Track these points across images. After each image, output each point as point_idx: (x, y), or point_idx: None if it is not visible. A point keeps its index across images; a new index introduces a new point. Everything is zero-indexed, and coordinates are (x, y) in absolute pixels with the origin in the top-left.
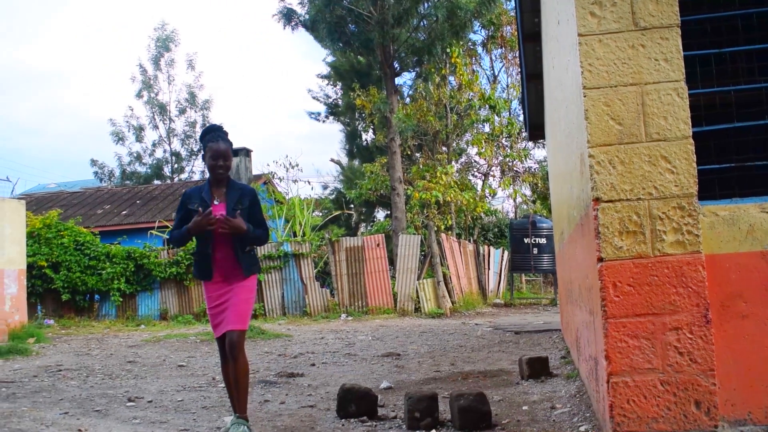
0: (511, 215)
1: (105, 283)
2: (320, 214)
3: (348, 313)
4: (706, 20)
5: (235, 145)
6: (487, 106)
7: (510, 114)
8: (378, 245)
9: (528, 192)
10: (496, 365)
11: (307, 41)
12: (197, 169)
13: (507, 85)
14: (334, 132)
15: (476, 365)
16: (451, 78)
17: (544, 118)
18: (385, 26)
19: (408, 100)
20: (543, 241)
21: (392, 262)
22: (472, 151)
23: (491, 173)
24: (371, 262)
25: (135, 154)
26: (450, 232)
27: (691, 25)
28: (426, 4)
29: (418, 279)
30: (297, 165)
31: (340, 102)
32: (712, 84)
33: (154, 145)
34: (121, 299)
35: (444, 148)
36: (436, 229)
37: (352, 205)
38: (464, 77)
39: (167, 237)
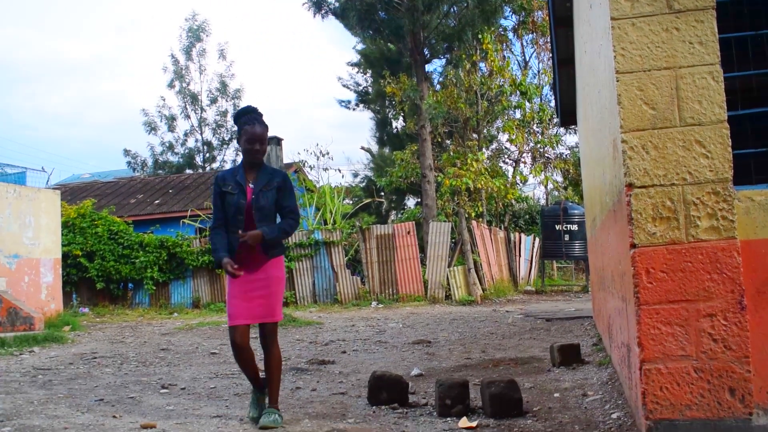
0: (543, 202)
1: (138, 272)
2: (351, 202)
3: (378, 301)
4: (744, 2)
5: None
6: (518, 92)
7: (541, 100)
8: (408, 233)
9: (559, 178)
10: (527, 352)
11: (337, 29)
12: (228, 159)
13: (538, 71)
14: (364, 120)
15: (507, 352)
16: (482, 64)
17: (576, 104)
18: (415, 13)
19: (438, 87)
20: (574, 227)
21: (423, 249)
22: (503, 137)
23: (522, 160)
24: (402, 250)
25: (167, 144)
26: (481, 220)
27: (729, 7)
28: None
29: (449, 266)
30: (327, 153)
31: (370, 89)
32: (749, 67)
33: (185, 134)
34: (154, 288)
35: (474, 135)
36: (466, 216)
37: (382, 193)
38: (495, 63)
39: (208, 230)
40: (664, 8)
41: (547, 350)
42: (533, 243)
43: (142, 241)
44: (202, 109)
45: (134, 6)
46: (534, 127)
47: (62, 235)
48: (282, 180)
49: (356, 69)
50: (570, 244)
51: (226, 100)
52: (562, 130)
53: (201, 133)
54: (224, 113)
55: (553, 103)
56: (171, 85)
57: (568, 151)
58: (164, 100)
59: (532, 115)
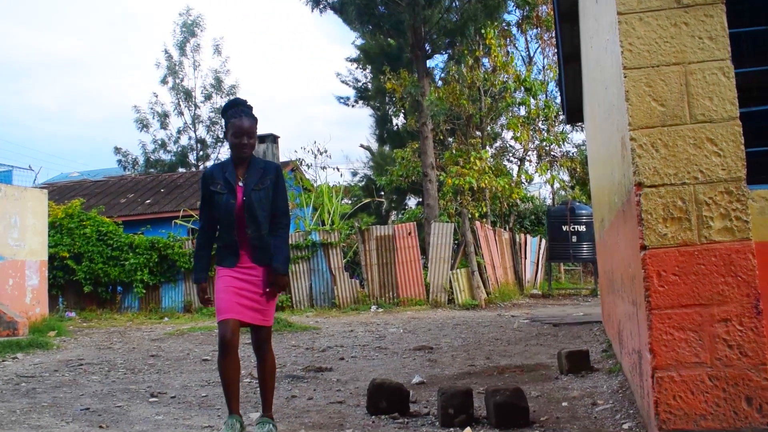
0: (549, 202)
1: (128, 275)
2: (349, 201)
3: (378, 305)
4: None
5: (262, 131)
6: (522, 88)
7: (546, 96)
8: (409, 234)
9: (566, 177)
10: (533, 359)
11: (336, 24)
12: (222, 157)
13: (543, 67)
14: (363, 117)
15: (513, 359)
16: (485, 60)
17: (582, 101)
18: (416, 7)
19: (440, 83)
20: (582, 228)
21: (424, 251)
22: (508, 135)
23: (527, 158)
24: (402, 252)
25: (159, 142)
26: (485, 220)
27: (742, 4)
28: None
29: (452, 269)
30: (325, 151)
31: (369, 86)
32: (762, 63)
33: (178, 132)
34: (144, 291)
35: (478, 133)
36: (470, 216)
37: (382, 193)
38: (499, 59)
39: (196, 230)
40: (672, 2)
41: (555, 357)
42: (539, 244)
43: (132, 242)
44: (196, 106)
45: (126, 0)
46: (539, 125)
47: (49, 236)
48: (275, 175)
49: (355, 65)
50: (578, 245)
51: (221, 97)
52: (568, 127)
53: (194, 131)
54: (219, 110)
55: (558, 100)
56: (164, 81)
57: (575, 149)
58: (157, 96)
59: (537, 112)
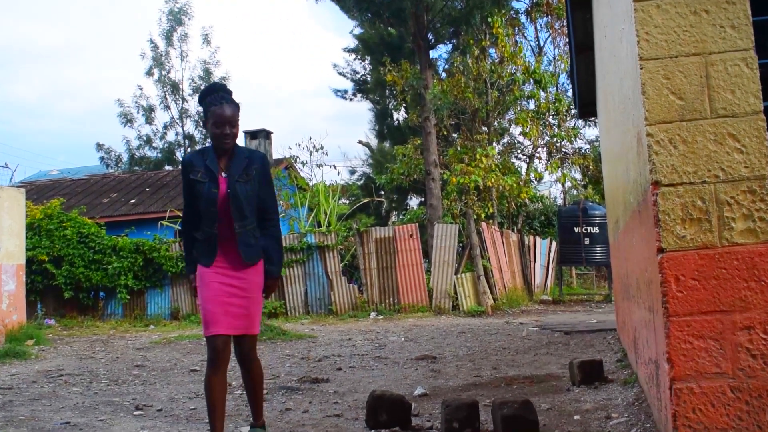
0: (560, 202)
1: (111, 279)
2: (347, 201)
3: (378, 312)
4: None
5: (254, 127)
6: (531, 80)
7: (557, 89)
8: (411, 236)
9: (578, 176)
10: (543, 369)
11: (333, 12)
12: None
13: (554, 58)
14: (362, 111)
15: (521, 369)
16: (492, 50)
17: (595, 94)
18: None
19: (444, 75)
20: (595, 230)
21: (427, 254)
22: (516, 130)
23: (537, 155)
24: (404, 255)
25: (144, 138)
26: (491, 221)
27: None
28: None
29: (456, 273)
30: (322, 148)
31: (368, 78)
32: None
33: (165, 127)
34: (128, 297)
35: (484, 128)
36: (475, 217)
37: (382, 192)
38: (506, 49)
39: (179, 228)
40: None
41: (566, 367)
42: (549, 247)
43: (115, 245)
44: (184, 99)
45: None
46: (549, 119)
47: (27, 238)
48: (261, 165)
49: (353, 55)
50: (590, 248)
51: None
52: (580, 122)
53: (182, 126)
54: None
55: (570, 93)
56: (149, 73)
57: (588, 146)
58: (142, 89)
59: (548, 106)
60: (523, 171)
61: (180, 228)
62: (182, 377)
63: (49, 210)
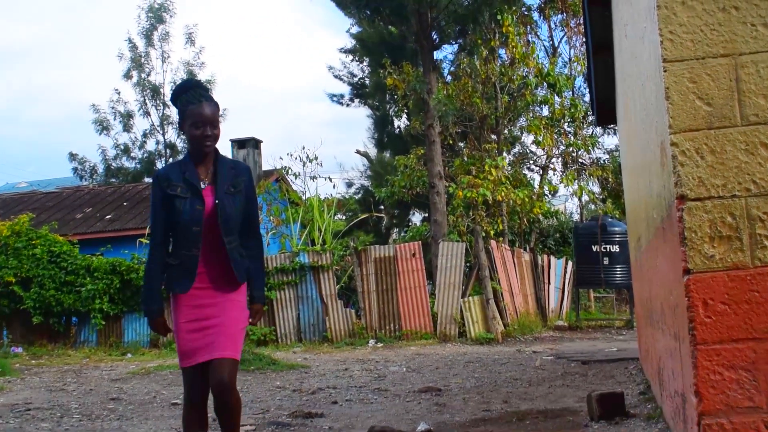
0: (576, 217)
1: (84, 303)
2: (344, 217)
3: (377, 339)
4: None
5: (242, 135)
6: (545, 84)
7: (573, 94)
8: (414, 255)
9: (596, 189)
10: (558, 403)
11: (328, 8)
12: None
13: (569, 59)
14: (360, 118)
15: (535, 403)
16: (502, 51)
17: (615, 99)
18: None
19: (449, 78)
20: (615, 248)
21: (431, 275)
22: (528, 139)
23: (551, 166)
24: (405, 276)
25: (122, 147)
26: (501, 239)
27: None
28: None
29: (463, 296)
30: (316, 158)
31: (367, 81)
32: None
33: (144, 135)
34: (103, 322)
35: (493, 136)
36: (484, 235)
37: (382, 207)
38: (518, 50)
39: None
40: None
41: (584, 400)
42: (565, 268)
43: (89, 265)
44: (165, 105)
45: None
46: (565, 127)
47: None
48: (248, 178)
49: (350, 57)
50: (610, 268)
51: None
52: (598, 130)
53: (163, 134)
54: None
55: (587, 98)
56: (127, 76)
57: (607, 156)
58: (119, 93)
59: (563, 112)
60: (536, 184)
61: (148, 254)
62: (162, 411)
63: (17, 226)
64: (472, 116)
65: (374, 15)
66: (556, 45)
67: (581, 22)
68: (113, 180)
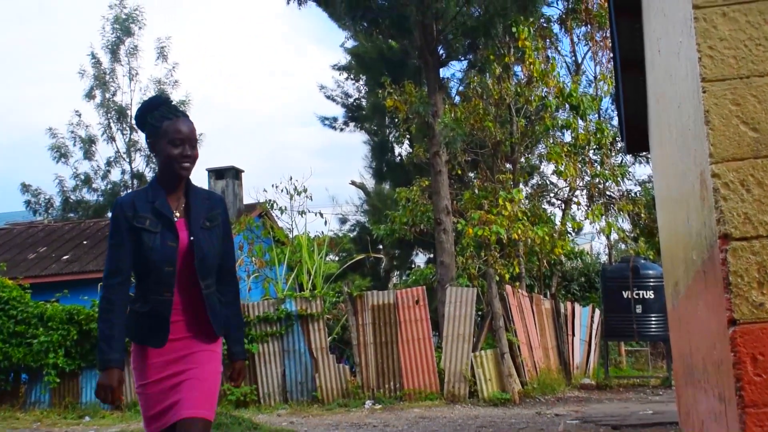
0: (604, 259)
1: (36, 358)
2: (336, 258)
3: (375, 399)
4: None
5: (221, 164)
6: (567, 105)
7: (600, 117)
8: (417, 302)
9: (627, 225)
10: None
11: (320, 20)
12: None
13: (595, 77)
14: (355, 144)
15: None
16: (518, 68)
17: (647, 122)
18: None
19: (458, 99)
20: (650, 295)
21: (437, 325)
22: (548, 168)
23: (575, 199)
24: (408, 326)
25: (82, 177)
26: (518, 284)
27: None
28: None
29: (474, 350)
30: (305, 191)
31: (363, 102)
32: None
33: (108, 163)
34: (58, 380)
35: (508, 166)
36: (498, 278)
37: (380, 246)
38: (535, 67)
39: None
40: None
41: None
42: (592, 317)
43: (42, 313)
44: (133, 129)
45: None
46: (590, 155)
47: None
48: (224, 211)
49: (345, 74)
50: (643, 318)
51: None
52: (629, 158)
53: (130, 162)
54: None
55: (615, 122)
56: (90, 96)
57: (639, 188)
58: (80, 115)
59: (587, 138)
60: (558, 220)
61: (104, 293)
62: None
63: None
64: (483, 143)
65: (372, 27)
66: (580, 61)
67: (608, 35)
68: (72, 215)
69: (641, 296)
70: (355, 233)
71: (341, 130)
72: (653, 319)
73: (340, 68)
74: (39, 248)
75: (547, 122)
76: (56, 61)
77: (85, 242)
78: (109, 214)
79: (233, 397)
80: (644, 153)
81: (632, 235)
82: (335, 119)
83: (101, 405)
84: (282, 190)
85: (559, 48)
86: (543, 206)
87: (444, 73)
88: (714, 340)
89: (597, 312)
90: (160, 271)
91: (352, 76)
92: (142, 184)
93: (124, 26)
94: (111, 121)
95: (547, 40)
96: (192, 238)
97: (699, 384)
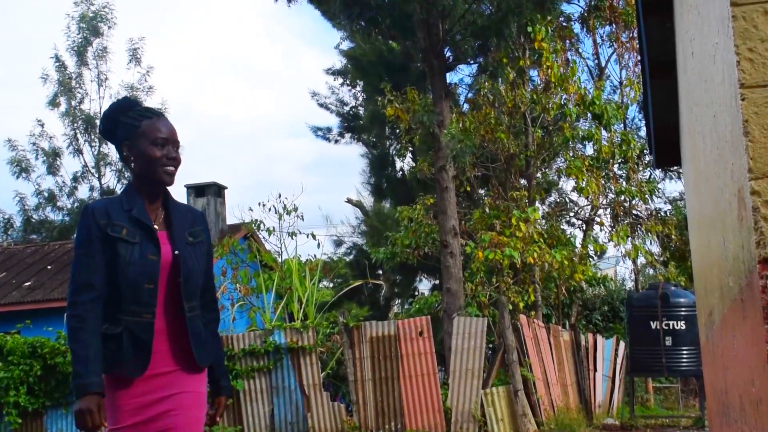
0: (630, 285)
1: None
2: (331, 285)
3: None
4: None
5: (201, 179)
6: (589, 114)
7: (625, 127)
8: (421, 334)
9: (655, 248)
10: None
11: (312, 19)
12: None
13: (620, 83)
14: (351, 157)
15: None
16: (534, 72)
17: (678, 133)
18: None
19: (466, 107)
20: (680, 325)
21: (443, 359)
22: (567, 185)
23: (597, 219)
24: (410, 361)
25: (46, 194)
26: (534, 313)
27: None
28: None
29: (485, 387)
30: (295, 209)
31: (361, 111)
32: None
33: (75, 179)
34: (19, 420)
35: (523, 181)
36: (511, 307)
37: (380, 271)
38: (554, 71)
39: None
40: None
41: None
42: (616, 350)
43: (2, 346)
44: (102, 141)
45: None
46: (615, 169)
47: None
48: (206, 228)
49: (340, 80)
50: (674, 351)
51: None
52: (658, 173)
53: (99, 177)
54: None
55: (643, 132)
56: (53, 103)
57: (669, 206)
58: (42, 125)
59: (612, 151)
60: (578, 242)
61: (73, 309)
62: None
63: None
64: (495, 156)
65: (371, 26)
66: (603, 65)
67: (635, 35)
68: (34, 236)
69: (671, 327)
70: (351, 257)
71: (336, 141)
72: (684, 352)
73: (335, 73)
74: None
75: (567, 133)
76: (15, 63)
77: (49, 267)
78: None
79: None
80: (675, 167)
81: (661, 258)
82: (329, 130)
83: None
84: (270, 209)
85: (580, 50)
86: (562, 227)
87: (451, 78)
88: (752, 376)
89: (622, 344)
90: (138, 289)
91: (348, 82)
92: None
93: (91, 25)
94: (78, 131)
95: (567, 42)
96: (176, 252)
97: (735, 424)
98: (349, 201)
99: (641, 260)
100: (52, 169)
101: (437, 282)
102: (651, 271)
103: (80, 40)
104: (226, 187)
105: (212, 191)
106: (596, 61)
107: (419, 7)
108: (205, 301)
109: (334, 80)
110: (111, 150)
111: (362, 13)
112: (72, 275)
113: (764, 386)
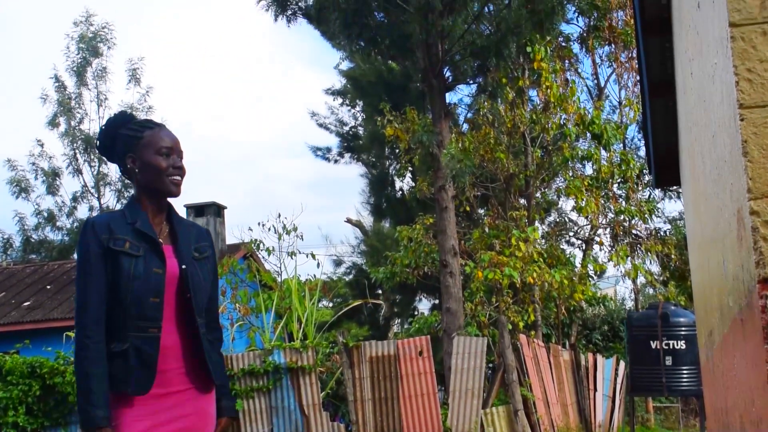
0: (630, 305)
1: None
2: (330, 304)
3: None
4: None
5: (200, 199)
6: (588, 134)
7: (625, 147)
8: (421, 353)
9: (655, 268)
10: None
11: (312, 39)
12: None
13: (619, 102)
14: (351, 177)
15: None
16: (533, 92)
17: (678, 153)
18: (430, 15)
19: (466, 127)
20: (681, 345)
21: (443, 379)
22: (567, 204)
23: (597, 239)
24: (410, 380)
25: (45, 214)
26: (533, 333)
27: None
28: None
29: (485, 407)
30: (295, 229)
31: (360, 131)
32: None
33: (74, 199)
34: None
35: (522, 201)
36: (511, 327)
37: (379, 291)
38: (553, 91)
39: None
40: None
41: None
42: (616, 369)
43: (1, 366)
44: (102, 160)
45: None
46: (614, 189)
47: None
48: (212, 245)
49: (339, 100)
50: (674, 371)
51: None
52: (657, 192)
53: (98, 197)
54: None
55: (642, 152)
56: (53, 123)
57: (669, 226)
58: (42, 145)
59: (611, 170)
60: (578, 262)
61: (80, 333)
62: None
63: None
64: (495, 176)
65: (370, 47)
66: (603, 85)
67: (634, 55)
68: (33, 256)
69: (671, 347)
70: (351, 277)
71: (335, 161)
72: (685, 371)
73: (334, 93)
74: None
75: (566, 153)
76: (14, 84)
77: (48, 287)
78: (76, 256)
79: None
80: (675, 187)
81: (661, 278)
82: (329, 149)
83: None
84: (269, 229)
85: (579, 70)
86: (561, 246)
87: (450, 98)
88: (753, 396)
89: (622, 364)
90: (143, 303)
91: (347, 102)
92: None
93: (91, 46)
94: (77, 151)
95: (566, 62)
96: (183, 266)
97: None
98: (349, 221)
99: (641, 280)
100: (52, 189)
101: (437, 302)
102: (651, 291)
103: (80, 61)
104: (225, 207)
105: (212, 211)
106: (595, 81)
107: (419, 27)
108: (207, 321)
109: (334, 100)
110: (110, 170)
111: (362, 33)
112: (77, 296)
113: (765, 406)
